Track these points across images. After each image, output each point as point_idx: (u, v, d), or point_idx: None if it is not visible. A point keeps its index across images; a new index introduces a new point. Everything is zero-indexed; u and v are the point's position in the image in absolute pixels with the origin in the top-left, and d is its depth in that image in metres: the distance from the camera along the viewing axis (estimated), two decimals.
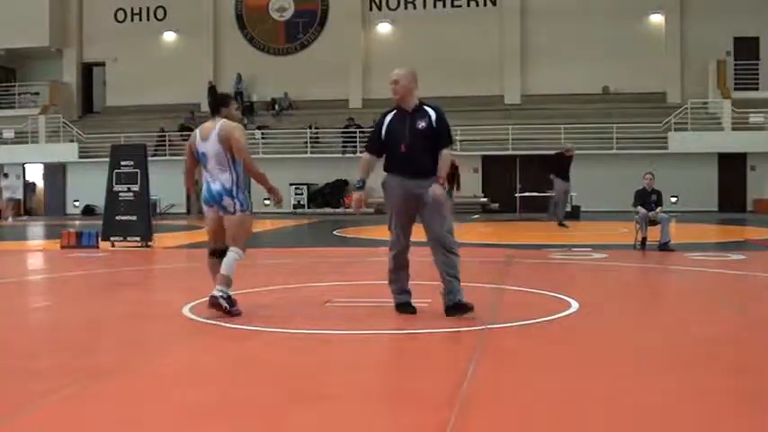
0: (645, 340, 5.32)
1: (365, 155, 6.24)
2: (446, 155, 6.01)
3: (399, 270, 6.14)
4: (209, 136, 6.18)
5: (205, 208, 6.36)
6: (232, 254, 6.13)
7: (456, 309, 5.91)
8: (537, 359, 4.74)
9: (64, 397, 3.86)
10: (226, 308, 6.03)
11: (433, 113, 6.05)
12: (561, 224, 17.79)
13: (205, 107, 31.81)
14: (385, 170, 6.14)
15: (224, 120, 6.24)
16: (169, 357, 4.95)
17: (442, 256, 5.98)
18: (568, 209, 23.65)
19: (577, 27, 29.27)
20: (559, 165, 18.39)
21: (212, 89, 31.38)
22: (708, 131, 27.07)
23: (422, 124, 5.98)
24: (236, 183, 6.18)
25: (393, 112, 6.12)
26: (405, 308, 6.14)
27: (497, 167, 28.23)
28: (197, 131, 6.34)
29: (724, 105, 27.42)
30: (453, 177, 18.67)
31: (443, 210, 6.01)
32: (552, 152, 19.96)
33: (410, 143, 5.94)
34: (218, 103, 6.45)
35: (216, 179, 6.17)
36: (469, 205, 27.72)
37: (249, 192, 6.51)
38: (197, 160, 6.35)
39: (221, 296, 6.04)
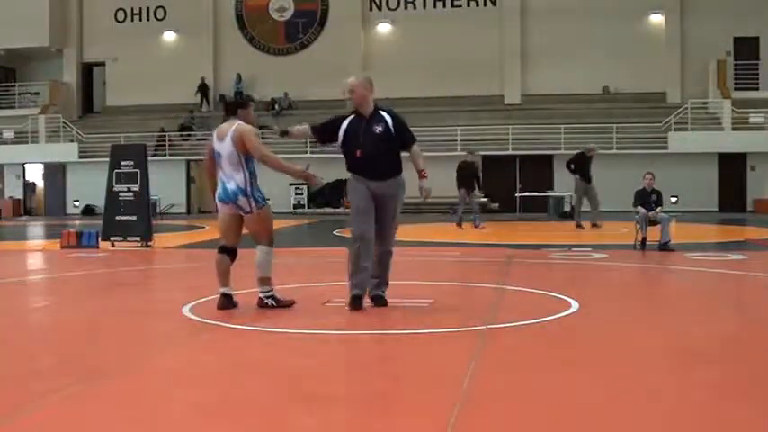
0: (645, 340, 5.32)
1: (308, 127, 6.70)
2: (416, 150, 6.44)
3: (366, 260, 6.30)
4: (224, 137, 6.33)
5: (220, 205, 6.50)
6: (260, 253, 6.39)
7: (380, 300, 6.47)
8: (537, 359, 4.74)
9: (64, 397, 3.86)
10: (273, 305, 6.35)
11: (389, 118, 6.40)
12: (579, 225, 17.17)
13: (205, 106, 31.92)
14: (348, 171, 6.50)
15: (240, 122, 6.36)
16: (169, 357, 4.95)
17: (381, 252, 6.47)
18: (568, 209, 23.75)
19: (577, 27, 29.26)
20: (580, 164, 17.63)
21: (203, 86, 31.50)
22: (708, 131, 27.07)
23: (378, 129, 6.34)
24: (250, 182, 6.33)
25: (351, 117, 6.45)
26: (358, 302, 6.32)
27: (497, 167, 28.23)
28: (215, 132, 6.50)
29: (724, 105, 27.41)
30: (476, 179, 18.42)
31: (398, 211, 6.56)
32: (575, 151, 18.99)
33: (366, 148, 6.31)
34: (237, 104, 6.57)
35: (231, 179, 6.32)
36: (470, 205, 27.70)
37: None
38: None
39: (266, 296, 6.38)
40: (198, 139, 30.51)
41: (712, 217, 23.58)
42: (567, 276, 9.40)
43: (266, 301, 6.42)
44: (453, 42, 30.09)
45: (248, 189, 6.30)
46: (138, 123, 30.88)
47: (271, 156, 6.32)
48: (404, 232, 17.92)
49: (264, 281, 6.44)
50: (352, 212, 6.43)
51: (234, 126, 6.31)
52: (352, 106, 6.51)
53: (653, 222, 11.95)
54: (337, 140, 6.48)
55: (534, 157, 27.77)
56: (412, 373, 4.51)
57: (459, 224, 18.05)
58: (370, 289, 6.47)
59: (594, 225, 17.11)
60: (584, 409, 3.67)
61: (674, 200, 23.81)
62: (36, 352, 5.17)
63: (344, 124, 6.44)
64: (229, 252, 6.49)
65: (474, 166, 18.23)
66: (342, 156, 6.66)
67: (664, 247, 11.63)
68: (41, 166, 31.88)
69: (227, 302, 6.42)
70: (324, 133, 6.64)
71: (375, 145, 6.30)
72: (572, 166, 17.82)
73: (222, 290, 6.45)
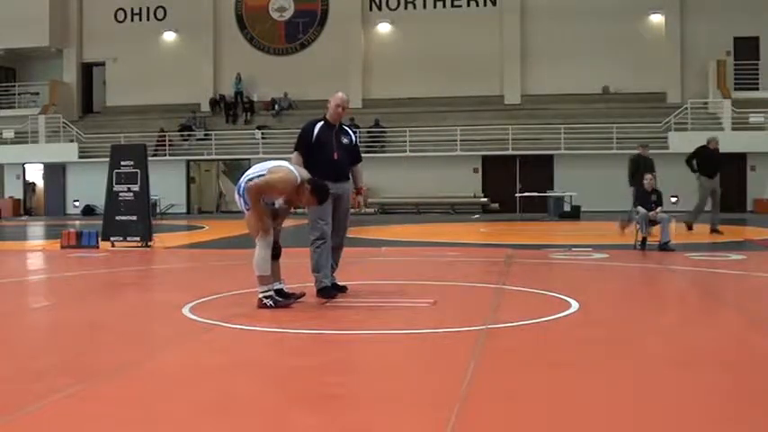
0: (645, 340, 5.32)
1: (296, 154, 7.07)
2: (360, 169, 7.33)
3: (328, 256, 6.99)
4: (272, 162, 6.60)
5: None
6: (255, 251, 6.48)
7: (338, 288, 7.13)
8: (537, 359, 4.74)
9: (64, 397, 3.86)
10: (271, 305, 6.39)
11: (352, 133, 7.38)
12: (690, 228, 15.53)
13: (205, 107, 31.94)
14: (315, 173, 6.84)
15: (294, 168, 6.44)
16: (169, 357, 4.95)
17: (339, 244, 7.21)
18: (567, 209, 23.71)
19: (577, 27, 29.28)
20: (704, 160, 15.55)
21: (220, 98, 31.47)
22: (708, 131, 27.02)
23: (345, 140, 7.21)
24: (244, 185, 6.42)
25: (320, 124, 7.12)
26: (330, 290, 6.96)
27: (497, 167, 28.25)
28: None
29: (724, 105, 27.42)
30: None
31: (349, 209, 7.30)
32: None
33: (340, 153, 7.08)
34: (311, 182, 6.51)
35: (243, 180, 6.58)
36: (469, 205, 27.75)
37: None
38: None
39: (264, 296, 6.43)
40: (198, 140, 30.54)
41: None
42: (567, 276, 9.40)
43: (265, 301, 6.42)
44: (453, 42, 30.11)
45: (240, 189, 6.46)
46: (138, 123, 30.89)
47: (256, 214, 6.35)
48: (405, 232, 17.94)
49: (259, 279, 6.45)
50: (317, 214, 6.91)
51: (287, 167, 6.40)
52: (331, 116, 7.13)
53: (653, 222, 11.95)
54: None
55: (534, 157, 27.79)
56: (412, 372, 4.51)
57: (624, 227, 14.97)
58: (333, 277, 7.16)
59: (715, 230, 15.35)
60: (583, 410, 3.67)
61: (674, 200, 23.79)
62: (36, 352, 5.17)
63: (316, 129, 7.07)
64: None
65: (651, 161, 15.62)
66: None
67: (664, 247, 11.63)
68: (41, 166, 31.89)
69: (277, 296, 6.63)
70: (307, 146, 7.05)
71: (344, 151, 7.13)
72: (694, 163, 15.60)
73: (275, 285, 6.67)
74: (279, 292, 6.62)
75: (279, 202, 6.61)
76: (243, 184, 6.44)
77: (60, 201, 31.42)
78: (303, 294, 6.80)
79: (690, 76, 29.18)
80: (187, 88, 31.51)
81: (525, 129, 28.25)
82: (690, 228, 15.68)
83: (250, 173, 6.48)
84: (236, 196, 6.56)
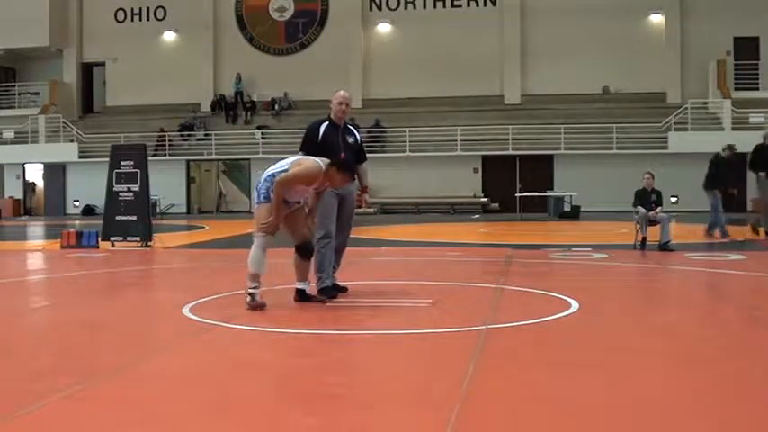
0: (644, 340, 5.32)
1: (302, 155, 6.94)
2: (365, 168, 7.40)
3: (331, 257, 7.00)
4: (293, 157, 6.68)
5: None
6: (252, 249, 6.51)
7: (338, 288, 7.12)
8: (537, 359, 4.74)
9: (64, 397, 3.86)
10: (248, 301, 6.36)
11: (357, 133, 7.39)
12: (755, 230, 14.53)
13: (205, 107, 31.94)
14: None
15: (305, 161, 6.48)
16: (169, 357, 4.95)
17: (342, 245, 7.21)
18: (567, 209, 23.72)
19: (577, 27, 29.29)
20: (763, 159, 14.30)
21: (221, 100, 31.37)
22: (708, 131, 27.07)
23: (351, 139, 7.22)
24: (265, 180, 6.48)
25: (326, 124, 7.12)
26: (331, 290, 6.94)
27: (497, 167, 28.26)
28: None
29: (724, 105, 27.42)
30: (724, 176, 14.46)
31: (354, 209, 7.29)
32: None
33: (346, 153, 7.04)
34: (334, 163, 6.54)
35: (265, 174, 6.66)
36: (469, 205, 27.76)
37: None
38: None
39: (247, 292, 6.41)
40: (198, 140, 30.55)
41: None
42: (567, 276, 9.40)
43: (247, 297, 6.40)
44: (453, 42, 30.13)
45: (259, 185, 6.51)
46: (138, 123, 30.90)
47: (273, 206, 6.36)
48: (405, 232, 17.93)
49: (249, 277, 6.43)
50: (323, 213, 6.92)
51: (311, 158, 6.47)
52: (335, 115, 7.13)
53: (653, 222, 11.95)
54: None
55: (534, 157, 27.79)
56: (412, 372, 4.51)
57: (712, 231, 14.12)
58: (333, 277, 7.16)
59: (755, 230, 14.47)
60: (583, 410, 3.67)
61: (673, 200, 23.80)
62: (36, 352, 5.17)
63: (321, 130, 7.08)
64: (298, 249, 6.70)
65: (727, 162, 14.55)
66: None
67: (664, 247, 11.63)
68: (41, 166, 31.89)
69: (298, 296, 6.73)
70: (313, 147, 6.99)
71: (350, 151, 7.12)
72: (756, 165, 14.40)
73: (296, 284, 6.75)
74: (301, 293, 6.72)
75: (307, 199, 6.59)
76: (262, 180, 6.46)
77: (60, 201, 31.43)
78: (325, 301, 6.78)
79: (690, 76, 29.18)
80: (187, 88, 31.52)
81: (525, 129, 28.26)
82: (756, 232, 14.45)
83: (273, 169, 6.50)
84: (254, 191, 6.63)
